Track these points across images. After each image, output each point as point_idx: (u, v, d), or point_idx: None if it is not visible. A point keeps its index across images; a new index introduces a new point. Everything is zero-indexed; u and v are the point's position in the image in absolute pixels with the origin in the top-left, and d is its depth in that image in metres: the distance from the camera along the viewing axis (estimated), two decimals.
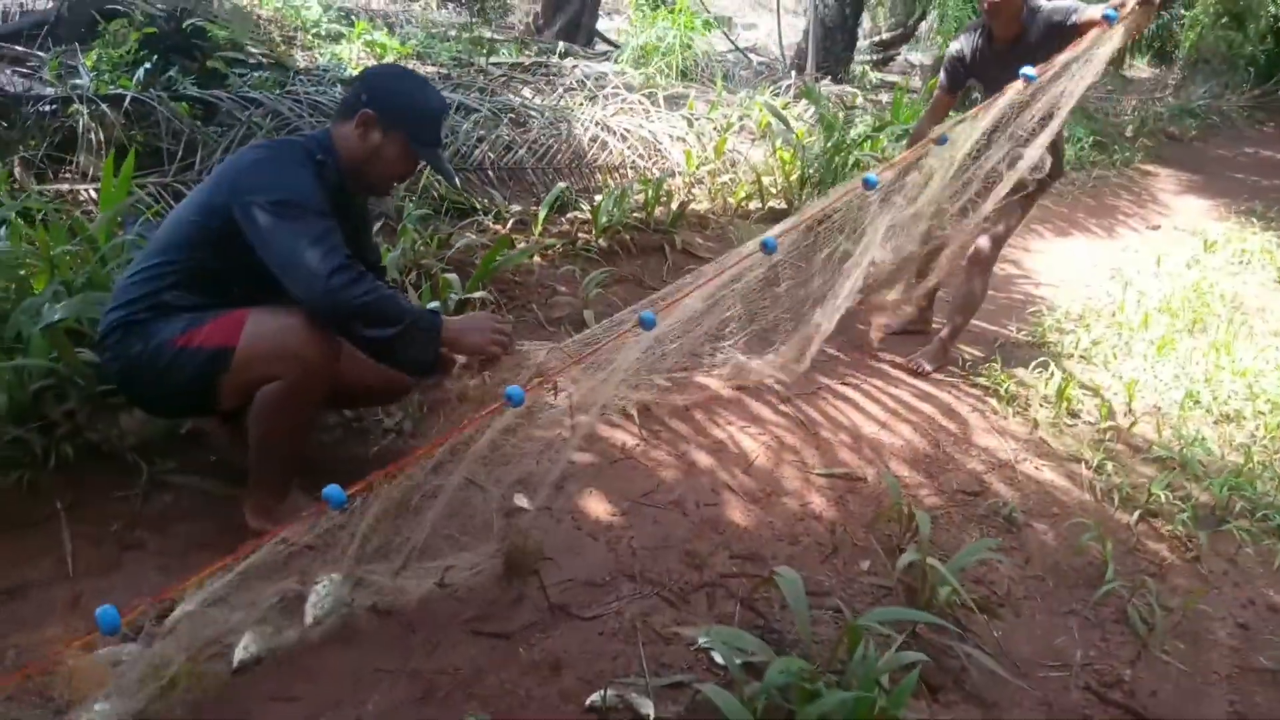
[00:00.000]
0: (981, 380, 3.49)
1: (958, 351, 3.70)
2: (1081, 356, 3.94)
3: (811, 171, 5.33)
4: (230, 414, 2.14)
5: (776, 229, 2.18)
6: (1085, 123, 8.45)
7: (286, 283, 1.88)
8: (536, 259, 3.97)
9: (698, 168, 5.31)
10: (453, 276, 3.13)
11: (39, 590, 1.84)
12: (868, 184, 2.27)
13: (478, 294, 3.15)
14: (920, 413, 3.21)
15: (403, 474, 1.72)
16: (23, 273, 2.30)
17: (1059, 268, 5.46)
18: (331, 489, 1.62)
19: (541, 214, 4.14)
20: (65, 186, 3.97)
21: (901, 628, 2.03)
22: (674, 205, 4.58)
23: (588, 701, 1.77)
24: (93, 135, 4.19)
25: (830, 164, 5.28)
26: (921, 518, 2.25)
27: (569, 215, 4.50)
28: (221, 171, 2.04)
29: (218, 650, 1.71)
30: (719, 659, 1.93)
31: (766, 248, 2.09)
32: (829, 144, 5.35)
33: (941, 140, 2.45)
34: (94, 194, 3.95)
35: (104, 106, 4.20)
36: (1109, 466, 2.99)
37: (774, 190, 5.38)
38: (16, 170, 3.79)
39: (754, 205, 5.25)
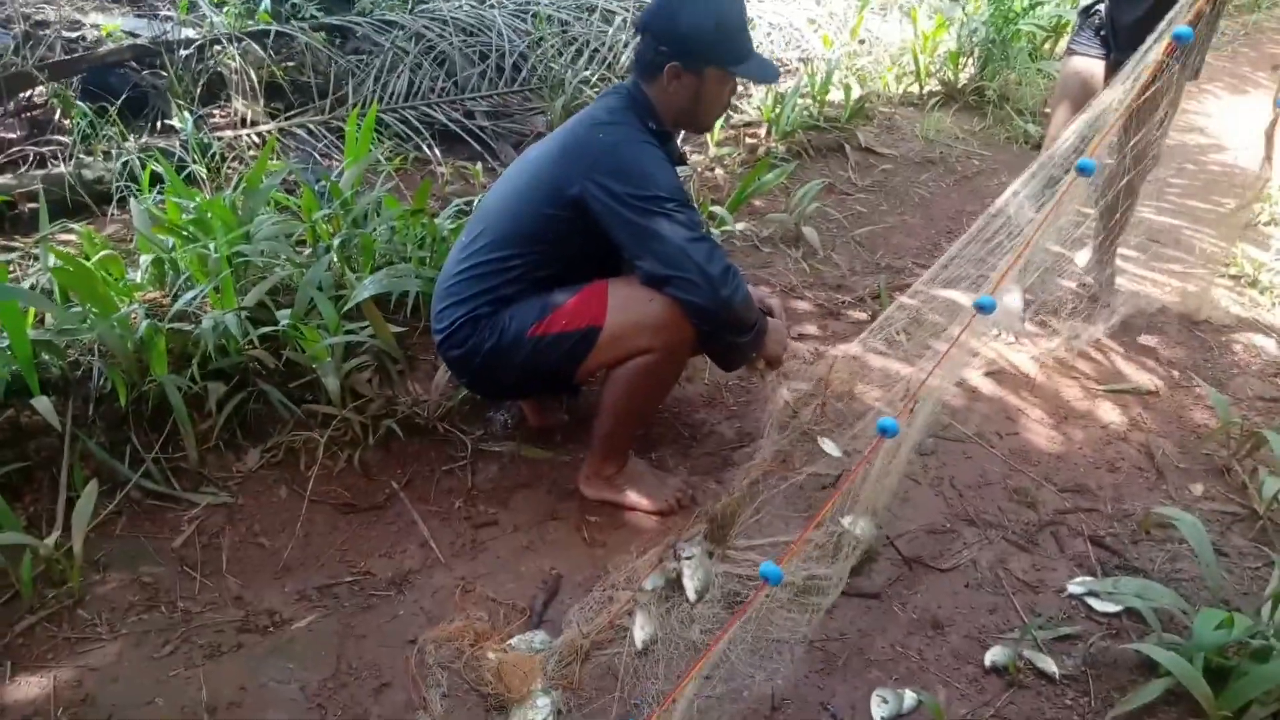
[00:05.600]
0: (1233, 270, 3.26)
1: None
2: None
3: (971, 44, 4.95)
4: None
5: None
6: None
7: (665, 284, 1.77)
8: (719, 171, 3.78)
9: (835, 50, 4.95)
10: (721, 210, 2.97)
11: (422, 578, 1.80)
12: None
13: (740, 225, 3.00)
14: (1172, 313, 3.00)
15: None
16: (295, 243, 2.20)
17: (1244, 129, 5.04)
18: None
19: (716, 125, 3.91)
20: (229, 133, 3.86)
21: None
22: (851, 98, 4.28)
23: (988, 661, 1.71)
24: (241, 76, 4.03)
25: (999, 35, 4.88)
26: (1274, 438, 2.10)
27: (730, 120, 4.25)
28: (565, 154, 1.84)
29: (614, 635, 1.67)
30: (1096, 606, 1.85)
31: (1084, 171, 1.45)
32: (994, 11, 4.93)
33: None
34: (255, 138, 3.84)
35: (252, 44, 4.04)
36: None
37: (930, 71, 5.03)
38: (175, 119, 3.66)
39: (912, 89, 4.93)
